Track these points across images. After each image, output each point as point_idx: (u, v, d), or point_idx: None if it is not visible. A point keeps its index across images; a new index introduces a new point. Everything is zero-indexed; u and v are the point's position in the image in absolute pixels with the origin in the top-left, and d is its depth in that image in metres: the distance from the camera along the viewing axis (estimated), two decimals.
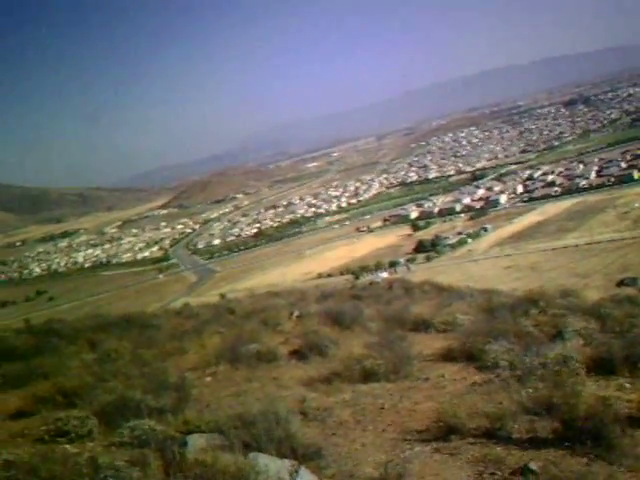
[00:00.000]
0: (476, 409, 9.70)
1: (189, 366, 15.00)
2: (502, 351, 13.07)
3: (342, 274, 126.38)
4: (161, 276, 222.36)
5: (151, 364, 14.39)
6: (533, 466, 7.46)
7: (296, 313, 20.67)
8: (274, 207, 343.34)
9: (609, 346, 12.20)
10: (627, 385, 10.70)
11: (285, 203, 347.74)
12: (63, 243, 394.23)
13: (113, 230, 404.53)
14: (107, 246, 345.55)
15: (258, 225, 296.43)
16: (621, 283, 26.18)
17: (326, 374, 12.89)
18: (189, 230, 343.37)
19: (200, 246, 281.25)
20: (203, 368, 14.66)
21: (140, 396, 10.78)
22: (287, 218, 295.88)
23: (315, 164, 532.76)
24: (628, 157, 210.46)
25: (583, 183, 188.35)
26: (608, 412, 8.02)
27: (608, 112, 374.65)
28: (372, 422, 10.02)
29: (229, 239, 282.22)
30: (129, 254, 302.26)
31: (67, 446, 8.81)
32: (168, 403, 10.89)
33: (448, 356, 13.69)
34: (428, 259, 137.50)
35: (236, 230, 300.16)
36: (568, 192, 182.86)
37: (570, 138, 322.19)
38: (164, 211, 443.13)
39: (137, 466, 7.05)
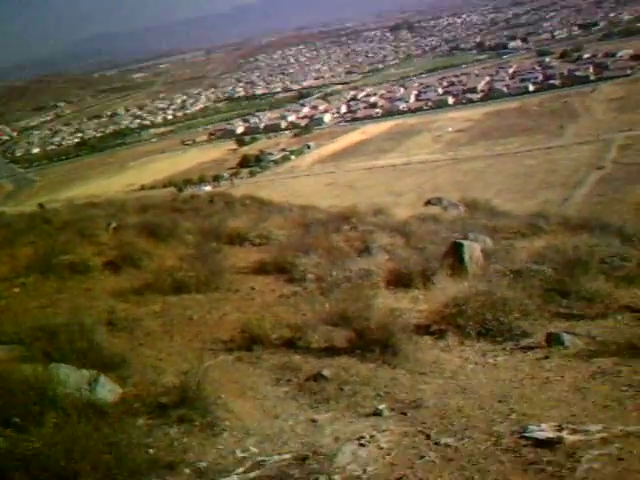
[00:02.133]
0: (280, 320, 10.14)
1: None
2: (311, 264, 13.56)
3: (165, 187, 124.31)
4: None
5: None
6: (326, 372, 8.01)
7: (113, 224, 20.16)
8: (98, 117, 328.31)
9: (408, 261, 13.03)
10: (420, 297, 11.54)
11: (109, 113, 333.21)
12: None
13: None
14: None
15: (80, 135, 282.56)
16: (428, 202, 27.47)
17: (138, 285, 12.82)
18: (6, 137, 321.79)
19: (18, 154, 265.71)
20: (12, 279, 14.14)
21: None
22: (111, 129, 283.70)
23: (142, 75, 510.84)
24: (444, 83, 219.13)
25: (403, 106, 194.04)
26: (397, 322, 8.70)
27: (429, 39, 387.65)
28: (180, 332, 10.19)
29: (49, 148, 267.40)
30: None
31: None
32: None
33: (261, 269, 13.92)
34: (252, 174, 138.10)
35: (57, 139, 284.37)
36: (389, 114, 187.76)
37: (393, 62, 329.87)
38: None
39: None
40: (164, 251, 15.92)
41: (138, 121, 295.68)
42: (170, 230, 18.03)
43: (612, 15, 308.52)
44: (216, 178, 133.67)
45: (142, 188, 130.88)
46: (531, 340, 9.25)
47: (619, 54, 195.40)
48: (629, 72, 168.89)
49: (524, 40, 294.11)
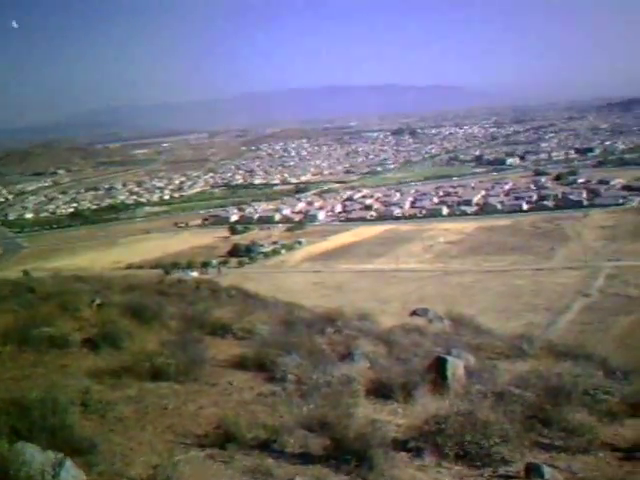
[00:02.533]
0: (257, 420, 9.94)
1: None
2: (293, 365, 13.41)
3: (153, 268, 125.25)
4: None
5: None
6: None
7: (98, 301, 20.03)
8: (95, 189, 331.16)
9: (390, 372, 12.91)
10: (400, 410, 11.38)
11: (107, 186, 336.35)
12: None
13: None
14: None
15: (75, 205, 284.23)
16: (414, 313, 27.48)
17: (116, 367, 12.60)
18: (2, 199, 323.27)
19: (11, 218, 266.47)
20: None
21: None
22: (107, 202, 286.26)
23: (144, 151, 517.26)
24: (440, 193, 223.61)
25: (397, 211, 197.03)
26: (376, 435, 8.54)
27: (430, 146, 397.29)
28: (153, 422, 9.94)
29: (43, 215, 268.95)
30: None
31: None
32: None
33: (241, 364, 13.76)
34: (241, 264, 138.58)
35: (52, 207, 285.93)
36: (383, 218, 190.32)
37: (392, 166, 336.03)
38: None
39: None
40: (146, 334, 15.75)
41: (134, 197, 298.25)
42: (154, 313, 17.90)
43: (608, 143, 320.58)
44: (204, 264, 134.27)
45: (129, 266, 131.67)
46: (510, 468, 9.08)
47: (612, 182, 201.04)
48: (621, 201, 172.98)
49: (522, 158, 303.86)
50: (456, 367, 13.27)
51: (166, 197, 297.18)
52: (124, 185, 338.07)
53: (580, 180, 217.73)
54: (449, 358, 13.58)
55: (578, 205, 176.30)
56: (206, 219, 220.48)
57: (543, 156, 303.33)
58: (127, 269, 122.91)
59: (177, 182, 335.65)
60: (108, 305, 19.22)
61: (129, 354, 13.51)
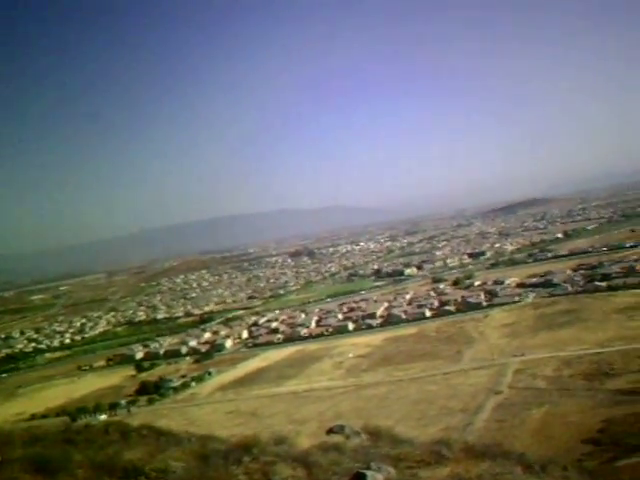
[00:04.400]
0: None
1: None
2: None
3: (59, 415, 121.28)
4: None
5: None
6: None
7: None
8: None
9: None
10: None
11: (3, 336, 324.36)
12: None
13: None
14: None
15: None
16: (330, 431, 27.10)
17: None
18: None
19: None
20: None
21: None
22: (4, 352, 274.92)
23: (41, 296, 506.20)
24: (344, 309, 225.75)
25: (304, 332, 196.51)
26: None
27: (329, 265, 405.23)
28: None
29: None
30: None
31: None
32: None
33: None
34: (151, 402, 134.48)
35: None
36: (290, 339, 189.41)
37: (294, 288, 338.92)
38: None
39: None
40: None
41: (33, 344, 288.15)
42: (60, 464, 17.07)
43: (497, 246, 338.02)
44: (113, 406, 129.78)
45: (32, 417, 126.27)
46: None
47: (506, 282, 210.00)
48: (517, 299, 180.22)
49: (419, 267, 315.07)
50: None
51: (67, 341, 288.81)
52: (22, 333, 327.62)
53: (477, 283, 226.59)
54: (368, 473, 13.45)
55: (478, 307, 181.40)
56: (110, 359, 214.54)
57: (439, 264, 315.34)
58: (30, 420, 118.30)
59: (78, 324, 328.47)
60: (9, 462, 18.24)
61: None
